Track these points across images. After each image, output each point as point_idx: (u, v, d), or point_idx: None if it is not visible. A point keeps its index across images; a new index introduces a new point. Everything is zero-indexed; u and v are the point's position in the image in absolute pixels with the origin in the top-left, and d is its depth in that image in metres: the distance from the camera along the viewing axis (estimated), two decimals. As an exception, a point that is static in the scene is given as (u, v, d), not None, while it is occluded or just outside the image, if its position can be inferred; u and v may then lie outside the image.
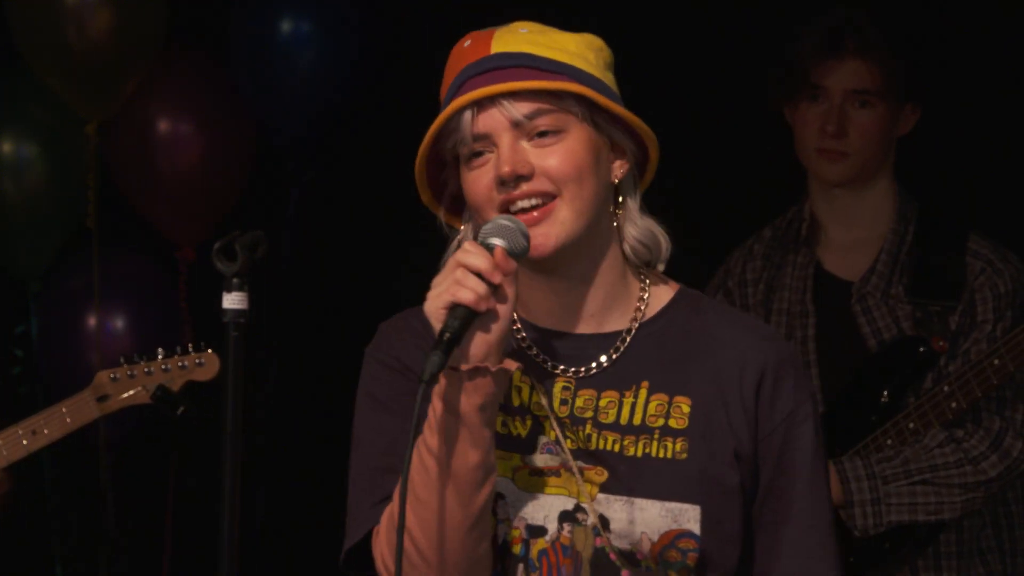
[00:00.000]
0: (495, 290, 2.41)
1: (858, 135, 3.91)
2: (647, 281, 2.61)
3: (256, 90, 5.10)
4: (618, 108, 2.53)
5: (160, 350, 4.10)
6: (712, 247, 4.25)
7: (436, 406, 2.43)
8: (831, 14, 3.96)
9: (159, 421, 4.91)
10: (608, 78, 2.58)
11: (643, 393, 2.56)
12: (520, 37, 2.54)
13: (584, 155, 2.51)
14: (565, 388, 2.57)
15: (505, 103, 2.49)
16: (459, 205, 2.61)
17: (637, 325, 2.58)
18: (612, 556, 2.52)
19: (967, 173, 4.71)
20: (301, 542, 5.30)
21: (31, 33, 4.85)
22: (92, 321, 4.96)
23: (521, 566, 2.54)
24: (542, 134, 2.50)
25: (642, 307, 2.59)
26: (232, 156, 5.12)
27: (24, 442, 4.03)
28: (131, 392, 4.06)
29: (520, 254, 2.45)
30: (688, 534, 2.52)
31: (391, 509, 2.48)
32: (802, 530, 2.57)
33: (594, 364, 2.57)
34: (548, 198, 2.50)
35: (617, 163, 2.57)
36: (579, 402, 2.56)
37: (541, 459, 2.55)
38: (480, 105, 2.50)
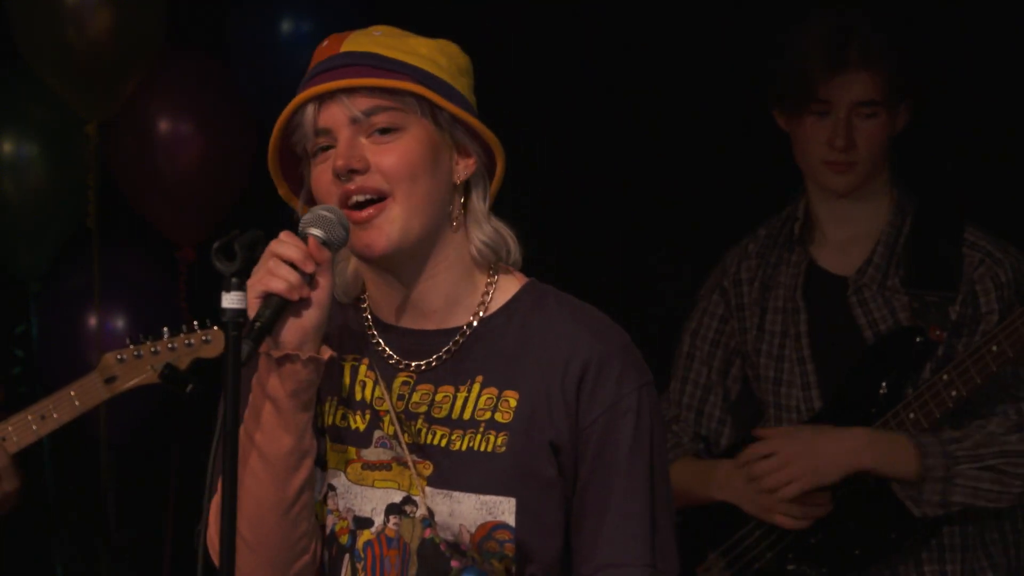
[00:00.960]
0: (309, 279, 2.46)
1: (866, 145, 3.91)
2: (495, 277, 2.64)
3: (256, 90, 5.09)
4: (456, 109, 2.56)
5: (165, 329, 4.10)
6: (708, 248, 4.25)
7: (255, 390, 2.50)
8: (827, 21, 3.92)
9: (159, 421, 4.91)
10: (461, 83, 2.61)
11: (476, 387, 2.59)
12: (372, 39, 2.61)
13: (421, 154, 2.54)
14: (405, 383, 2.61)
15: (344, 99, 2.54)
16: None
17: (477, 320, 2.61)
18: (442, 547, 2.57)
19: (963, 165, 4.71)
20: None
21: (31, 33, 4.85)
22: (92, 321, 4.97)
23: (347, 556, 2.60)
24: (382, 131, 2.54)
25: (486, 302, 2.62)
26: (232, 156, 5.12)
27: (34, 427, 4.03)
28: (138, 372, 4.06)
29: (337, 244, 2.50)
30: (503, 526, 2.55)
31: (217, 498, 2.51)
32: (618, 521, 2.56)
33: (433, 359, 2.60)
34: (381, 196, 2.53)
35: (461, 164, 2.60)
36: (415, 397, 2.60)
37: (374, 453, 2.60)
38: (322, 100, 2.56)
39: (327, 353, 2.51)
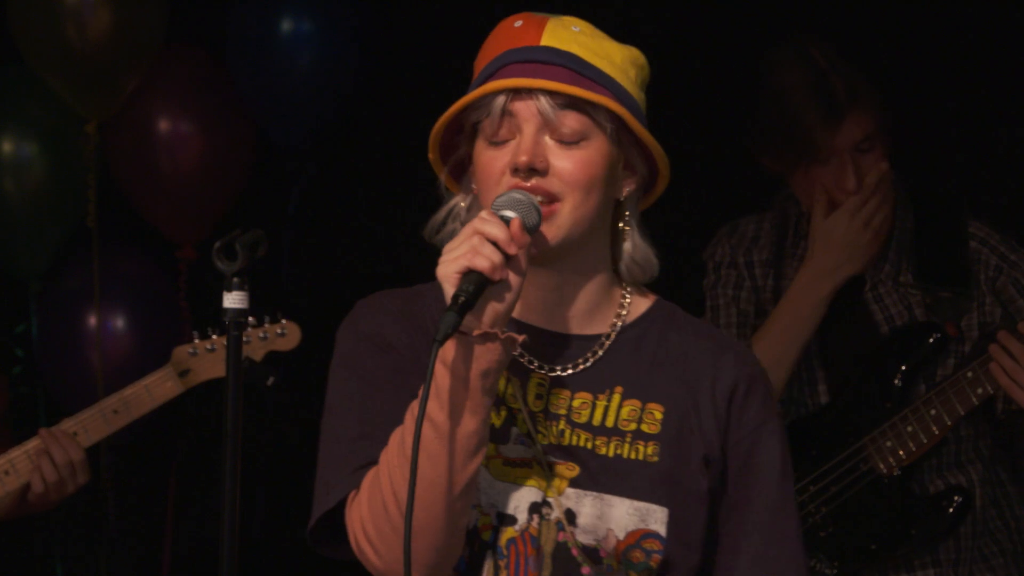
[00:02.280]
0: (509, 261, 2.43)
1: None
2: (627, 289, 2.65)
3: (256, 90, 5.09)
4: (646, 135, 2.56)
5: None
6: (699, 247, 4.24)
7: (439, 370, 2.43)
8: (807, 74, 3.89)
9: (159, 422, 4.91)
10: (640, 97, 2.61)
11: (616, 398, 2.59)
12: (571, 35, 2.57)
13: (600, 167, 2.54)
14: (540, 384, 2.59)
15: (542, 98, 2.52)
16: (459, 171, 2.64)
17: (616, 331, 2.61)
18: (574, 551, 2.54)
19: (956, 156, 4.71)
20: (301, 542, 5.30)
21: (31, 33, 4.85)
22: (92, 321, 4.96)
23: (489, 553, 2.56)
24: (567, 139, 2.53)
25: (623, 314, 2.62)
26: (232, 156, 5.12)
27: (106, 422, 4.02)
28: (213, 365, 4.04)
29: (532, 229, 2.48)
30: (654, 535, 2.54)
31: (374, 473, 2.48)
32: (764, 542, 2.61)
33: (570, 365, 2.59)
34: (552, 199, 2.52)
35: (627, 181, 2.60)
36: (553, 399, 2.58)
37: (514, 450, 2.57)
38: (517, 93, 2.53)
39: (521, 337, 2.47)
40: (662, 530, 2.54)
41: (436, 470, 2.44)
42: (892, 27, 3.97)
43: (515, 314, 2.61)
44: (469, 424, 2.44)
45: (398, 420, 2.50)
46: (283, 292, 5.18)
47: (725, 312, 4.06)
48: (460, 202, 2.63)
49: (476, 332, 2.42)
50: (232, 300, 2.42)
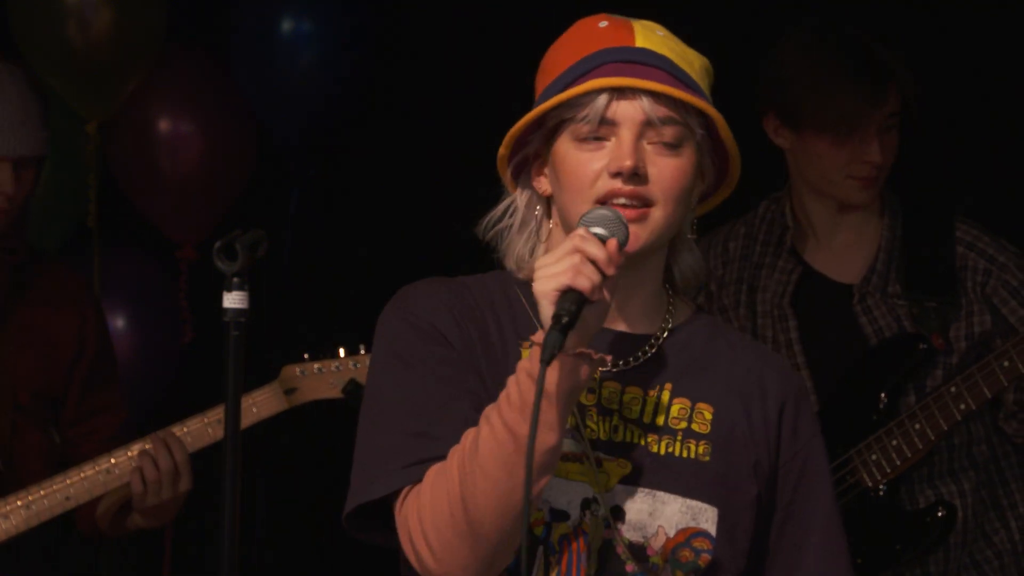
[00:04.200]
0: (605, 280, 2.41)
1: (889, 156, 3.90)
2: (672, 294, 2.66)
3: (256, 90, 5.10)
4: (732, 143, 2.57)
5: (341, 348, 4.08)
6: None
7: (524, 384, 2.40)
8: (852, 42, 3.86)
9: (159, 422, 4.91)
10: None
11: (666, 395, 2.58)
12: (659, 40, 2.56)
13: (690, 176, 2.54)
14: (592, 378, 2.55)
15: (646, 100, 2.50)
16: (519, 168, 2.61)
17: (666, 333, 2.62)
18: (619, 549, 2.53)
19: (945, 159, 4.71)
20: (301, 542, 5.30)
21: (32, 33, 4.85)
22: (92, 321, 4.96)
23: (541, 548, 2.54)
24: (665, 144, 2.51)
25: (669, 318, 2.63)
26: (232, 156, 5.13)
27: (209, 431, 4.02)
28: (320, 386, 4.05)
29: (622, 247, 2.46)
30: (704, 534, 2.54)
31: (440, 472, 2.45)
32: (821, 556, 2.64)
33: (622, 361, 2.59)
34: (646, 204, 2.51)
35: (698, 188, 2.60)
36: (605, 392, 2.57)
37: (567, 444, 2.54)
38: (621, 93, 2.50)
39: (610, 357, 2.46)
40: (712, 529, 2.54)
41: (512, 482, 2.41)
42: (882, 32, 3.97)
43: None
44: (549, 439, 2.42)
45: (453, 416, 2.49)
46: (283, 292, 5.18)
47: None
48: (519, 199, 2.61)
49: (572, 353, 2.40)
50: (232, 300, 2.42)
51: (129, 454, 3.97)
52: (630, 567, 2.53)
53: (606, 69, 2.51)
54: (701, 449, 2.56)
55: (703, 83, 2.57)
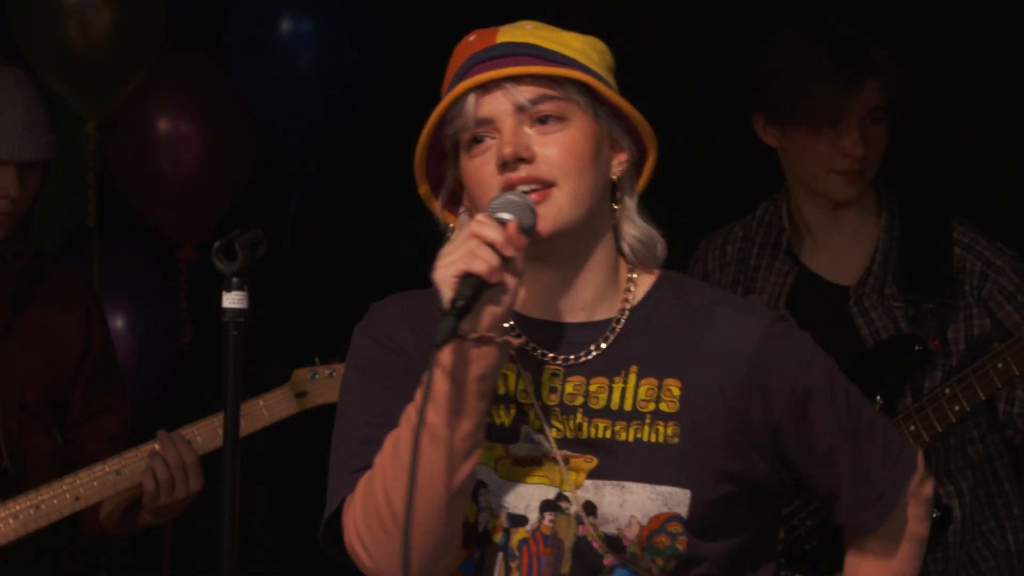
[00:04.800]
0: (506, 263, 2.42)
1: (874, 151, 3.89)
2: (632, 271, 2.62)
3: (256, 90, 5.10)
4: (620, 100, 2.54)
5: None
6: (687, 246, 4.25)
7: (436, 373, 2.43)
8: (827, 35, 3.87)
9: (159, 421, 4.91)
10: (610, 79, 2.59)
11: (632, 378, 2.56)
12: (525, 31, 2.56)
13: (585, 146, 2.52)
14: (554, 375, 2.57)
15: (509, 87, 2.50)
16: (455, 200, 2.62)
17: (626, 313, 2.59)
18: (595, 544, 2.53)
19: (942, 160, 4.71)
20: (301, 542, 5.29)
21: (31, 32, 4.85)
22: (92, 321, 4.96)
23: (501, 555, 2.55)
24: (544, 120, 2.51)
25: (630, 296, 2.60)
26: (232, 156, 5.12)
27: (220, 432, 4.02)
28: (331, 390, 4.05)
29: (529, 230, 2.46)
30: (677, 518, 2.52)
31: (369, 475, 2.49)
32: (857, 481, 2.62)
33: (583, 352, 2.57)
34: (546, 185, 2.50)
35: (616, 159, 2.58)
36: (568, 388, 2.57)
37: (523, 448, 2.56)
38: (485, 89, 2.51)
39: (518, 340, 2.48)
40: (685, 512, 2.52)
41: (430, 473, 2.44)
42: (877, 31, 3.97)
43: (523, 310, 2.59)
44: (464, 427, 2.44)
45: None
46: (283, 292, 5.18)
47: None
48: (460, 228, 2.60)
49: (473, 336, 2.42)
50: (232, 300, 2.42)
51: (139, 455, 3.97)
52: (608, 560, 2.53)
53: (469, 73, 2.53)
54: (670, 431, 2.54)
55: (586, 58, 2.55)
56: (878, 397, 3.88)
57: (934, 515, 3.86)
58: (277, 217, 5.18)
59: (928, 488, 2.70)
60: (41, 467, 4.06)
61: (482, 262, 2.39)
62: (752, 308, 2.64)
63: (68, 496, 3.96)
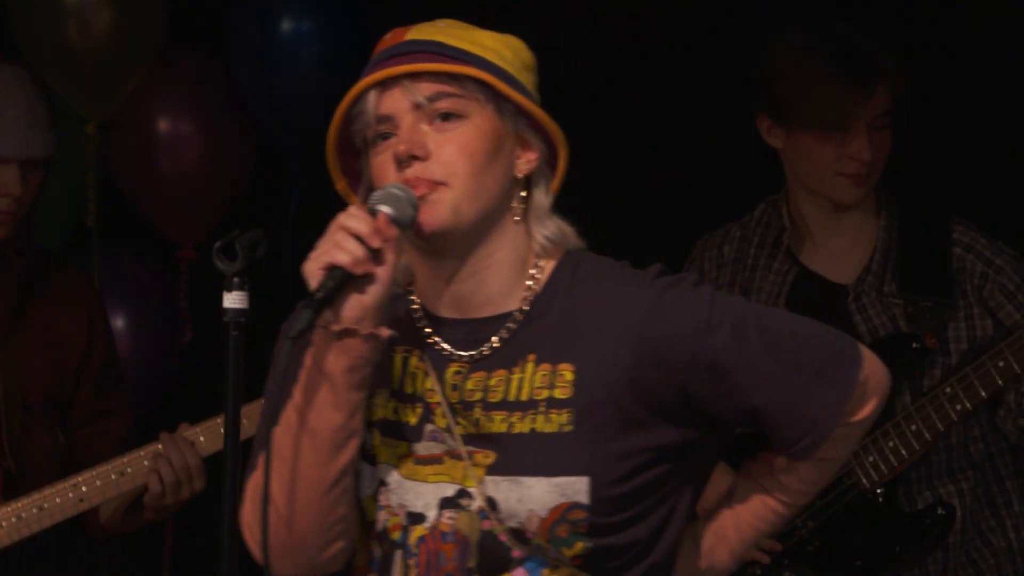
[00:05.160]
0: (374, 254, 2.44)
1: (880, 156, 3.89)
2: (538, 259, 2.60)
3: (256, 90, 5.10)
4: (520, 98, 2.54)
5: None
6: (682, 247, 4.25)
7: (306, 364, 2.46)
8: (836, 39, 3.86)
9: (159, 421, 4.91)
10: (525, 77, 2.58)
11: (529, 367, 2.56)
12: (436, 29, 2.58)
13: (483, 144, 2.52)
14: (457, 373, 2.58)
15: (407, 84, 2.51)
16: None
17: (529, 301, 2.58)
18: (502, 537, 2.54)
19: (942, 160, 4.71)
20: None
21: (31, 32, 4.85)
22: (92, 321, 4.96)
23: (399, 552, 2.57)
24: (444, 117, 2.51)
25: (534, 285, 2.59)
26: (232, 156, 5.13)
27: (221, 435, 4.02)
28: None
29: (406, 223, 2.47)
30: (577, 506, 2.52)
31: (256, 476, 2.52)
32: (789, 414, 2.57)
33: (486, 346, 2.58)
34: (437, 184, 2.50)
35: (523, 157, 2.57)
36: (469, 384, 2.57)
37: (425, 447, 2.57)
38: (385, 86, 2.53)
39: (386, 332, 2.48)
40: (585, 499, 2.51)
41: (304, 465, 2.47)
42: (877, 30, 3.97)
43: (433, 308, 2.60)
44: (335, 419, 2.46)
45: None
46: (283, 292, 5.18)
47: None
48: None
49: (336, 328, 2.44)
50: (232, 300, 2.42)
51: (142, 456, 3.97)
52: (517, 552, 2.54)
53: (374, 71, 2.55)
54: (564, 418, 2.53)
55: (498, 56, 2.55)
56: None
57: (939, 513, 3.87)
58: (277, 217, 5.18)
59: (869, 408, 2.64)
60: (43, 467, 4.07)
61: (346, 253, 2.42)
62: (640, 280, 2.59)
63: (72, 497, 3.96)
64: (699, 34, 4.97)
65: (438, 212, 2.49)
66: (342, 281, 2.42)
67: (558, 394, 2.54)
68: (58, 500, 3.96)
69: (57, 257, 4.33)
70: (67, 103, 4.89)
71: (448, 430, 2.56)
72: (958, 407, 3.81)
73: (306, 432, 2.47)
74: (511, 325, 2.57)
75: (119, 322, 5.00)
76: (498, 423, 2.55)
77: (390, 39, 2.60)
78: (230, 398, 2.41)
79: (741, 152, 4.33)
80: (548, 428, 2.53)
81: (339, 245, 2.42)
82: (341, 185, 2.66)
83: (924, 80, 4.10)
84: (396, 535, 2.57)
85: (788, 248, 4.02)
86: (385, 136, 2.54)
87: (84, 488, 3.96)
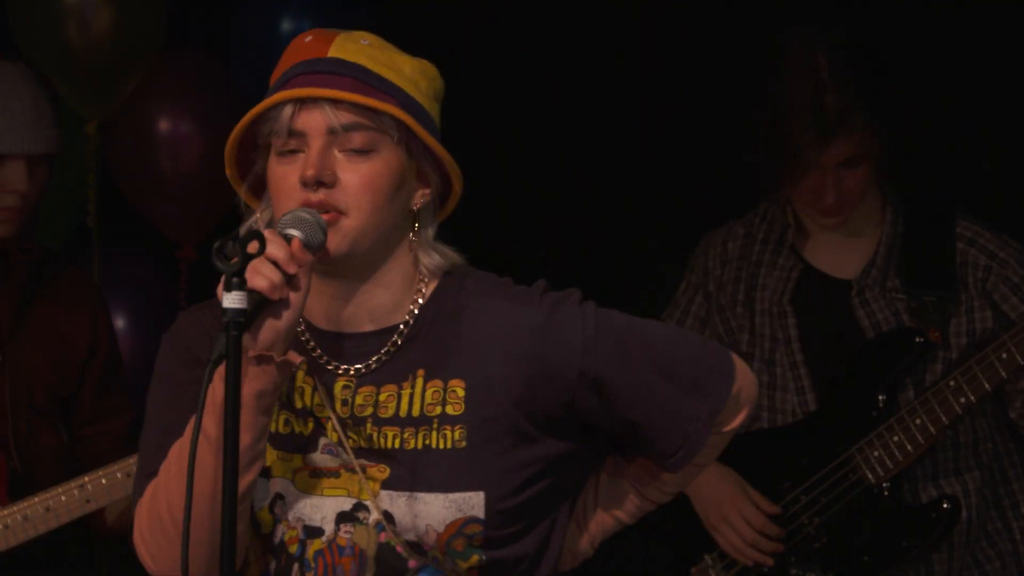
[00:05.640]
0: (289, 280, 2.45)
1: (853, 191, 3.90)
2: (424, 277, 2.64)
3: (256, 90, 5.08)
4: (433, 142, 2.57)
5: None
6: (681, 248, 4.24)
7: (216, 386, 2.46)
8: (809, 85, 3.86)
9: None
10: (433, 108, 2.62)
11: (419, 382, 2.59)
12: (359, 48, 2.61)
13: (387, 179, 2.55)
14: (346, 387, 2.60)
15: (327, 108, 2.54)
16: (261, 186, 2.67)
17: (414, 316, 2.61)
18: (399, 548, 2.56)
19: (946, 157, 4.71)
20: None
21: (31, 32, 4.85)
22: (92, 321, 4.96)
23: (296, 566, 2.59)
24: (355, 150, 2.54)
25: (418, 299, 2.62)
26: (232, 156, 5.12)
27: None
28: None
29: (316, 248, 2.49)
30: (473, 520, 2.55)
31: (155, 483, 2.54)
32: (665, 426, 2.62)
33: (372, 360, 2.59)
34: (339, 212, 2.53)
35: (420, 192, 2.61)
36: (359, 399, 2.59)
37: (321, 460, 2.59)
38: (303, 103, 2.56)
39: (297, 359, 2.49)
40: (481, 513, 2.55)
41: (206, 480, 2.47)
42: (876, 31, 3.97)
43: (314, 321, 2.62)
44: (243, 441, 2.46)
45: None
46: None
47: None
48: (258, 217, 2.65)
49: (252, 353, 2.45)
50: (231, 300, 2.42)
51: None
52: (413, 563, 2.56)
53: (295, 82, 2.58)
54: (457, 435, 2.56)
55: (414, 86, 2.59)
56: (879, 390, 3.89)
57: (944, 507, 3.87)
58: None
59: (740, 418, 2.70)
60: (48, 466, 4.07)
61: (264, 279, 2.43)
62: (527, 298, 2.63)
63: (78, 497, 3.96)
64: (699, 34, 4.97)
65: (336, 240, 2.52)
66: (259, 305, 2.44)
67: (451, 410, 2.57)
68: (64, 500, 3.96)
69: (61, 257, 4.33)
70: (67, 103, 4.89)
71: (340, 444, 2.58)
72: (962, 400, 3.81)
73: (211, 451, 2.47)
74: (396, 339, 2.59)
75: (119, 322, 4.99)
76: (391, 439, 2.57)
77: (310, 47, 2.63)
78: (230, 398, 2.41)
79: (740, 152, 4.33)
80: (442, 444, 2.56)
81: (256, 270, 2.43)
82: (231, 172, 2.70)
83: (928, 74, 4.10)
84: (293, 548, 2.59)
85: (792, 245, 4.03)
86: (292, 149, 2.57)
87: (90, 488, 3.96)
